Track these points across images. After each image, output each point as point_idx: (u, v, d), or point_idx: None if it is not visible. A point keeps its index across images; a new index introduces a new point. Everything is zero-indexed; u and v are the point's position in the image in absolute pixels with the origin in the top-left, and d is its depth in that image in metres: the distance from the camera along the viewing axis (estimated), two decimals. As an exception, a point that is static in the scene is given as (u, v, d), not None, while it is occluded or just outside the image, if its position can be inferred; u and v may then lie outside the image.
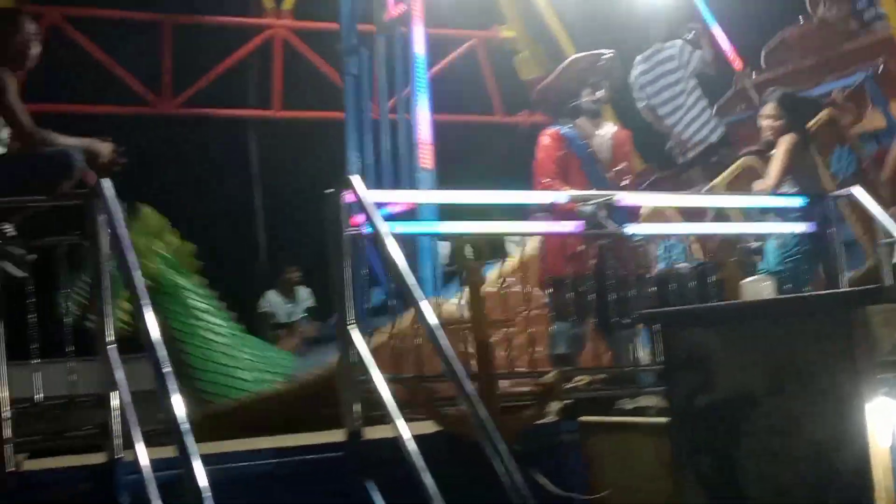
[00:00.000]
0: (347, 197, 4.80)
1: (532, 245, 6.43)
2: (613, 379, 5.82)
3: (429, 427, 4.73)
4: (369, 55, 9.26)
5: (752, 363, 3.74)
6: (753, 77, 9.30)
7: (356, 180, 4.74)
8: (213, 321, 6.51)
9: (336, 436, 4.62)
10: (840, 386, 3.48)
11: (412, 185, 8.18)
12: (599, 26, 9.83)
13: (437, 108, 8.43)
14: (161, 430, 3.61)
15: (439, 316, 4.46)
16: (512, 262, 6.51)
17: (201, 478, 3.09)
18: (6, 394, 4.12)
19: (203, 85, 11.51)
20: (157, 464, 3.68)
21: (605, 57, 6.54)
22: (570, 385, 5.56)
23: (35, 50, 5.16)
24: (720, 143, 8.56)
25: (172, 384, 3.38)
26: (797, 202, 6.31)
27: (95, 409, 4.30)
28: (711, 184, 7.45)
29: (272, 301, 10.59)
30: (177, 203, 10.24)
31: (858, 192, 6.12)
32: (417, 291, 4.19)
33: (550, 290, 6.23)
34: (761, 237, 6.64)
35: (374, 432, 4.57)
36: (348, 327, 4.63)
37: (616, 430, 5.10)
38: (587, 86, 6.45)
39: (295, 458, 4.52)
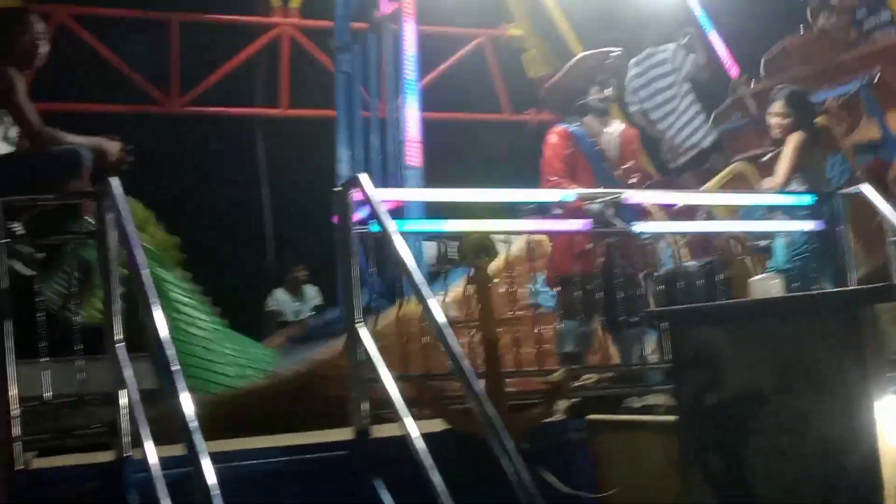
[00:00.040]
0: (355, 195, 4.81)
1: (518, 245, 6.37)
2: (621, 377, 5.82)
3: (437, 425, 4.72)
4: (362, 52, 9.28)
5: (760, 361, 3.73)
6: (752, 86, 9.25)
7: (364, 178, 4.74)
8: (195, 315, 6.45)
9: (344, 434, 4.61)
10: (849, 384, 3.47)
11: (399, 182, 8.19)
12: (607, 24, 9.81)
13: (444, 105, 8.45)
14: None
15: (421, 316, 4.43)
16: (497, 262, 6.47)
17: (210, 476, 3.08)
18: (15, 392, 4.13)
19: (210, 84, 11.54)
20: (165, 462, 3.68)
21: (613, 55, 6.53)
22: (577, 383, 5.56)
23: (43, 49, 5.17)
24: (712, 148, 8.51)
25: (181, 382, 3.38)
26: (806, 200, 6.30)
27: (104, 407, 4.31)
28: (702, 188, 7.44)
29: (280, 299, 10.60)
30: (184, 202, 10.31)
31: (867, 189, 6.10)
32: (426, 289, 4.19)
33: (558, 289, 6.23)
34: (769, 235, 6.63)
35: (381, 430, 4.57)
36: (356, 325, 4.63)
37: (624, 428, 5.10)
38: (595, 84, 6.44)
39: (303, 457, 4.51)
